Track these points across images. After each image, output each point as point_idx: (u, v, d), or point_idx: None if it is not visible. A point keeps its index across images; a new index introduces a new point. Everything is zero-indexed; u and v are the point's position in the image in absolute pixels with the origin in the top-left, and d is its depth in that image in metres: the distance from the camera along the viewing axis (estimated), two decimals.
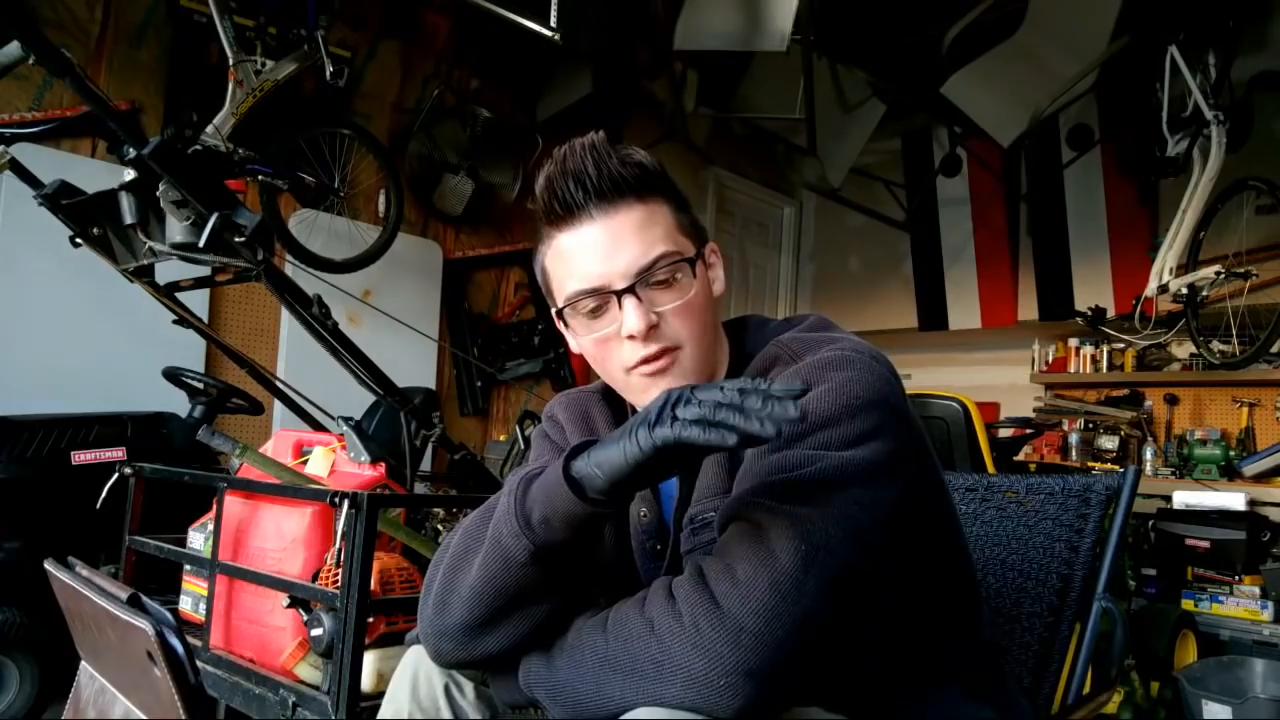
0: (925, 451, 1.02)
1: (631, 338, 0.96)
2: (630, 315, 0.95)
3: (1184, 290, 3.97)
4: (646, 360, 0.97)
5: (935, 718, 0.99)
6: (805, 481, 0.85)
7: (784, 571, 0.80)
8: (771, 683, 0.78)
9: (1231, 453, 4.14)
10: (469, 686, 1.01)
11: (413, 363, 4.10)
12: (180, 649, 0.74)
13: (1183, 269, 3.95)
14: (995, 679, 1.09)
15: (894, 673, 0.98)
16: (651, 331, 0.96)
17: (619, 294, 0.96)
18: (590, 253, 0.97)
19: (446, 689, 1.01)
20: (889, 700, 0.97)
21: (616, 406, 1.14)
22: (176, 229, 2.36)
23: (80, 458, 2.63)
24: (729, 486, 0.95)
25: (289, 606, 1.79)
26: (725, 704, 0.77)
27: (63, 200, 2.41)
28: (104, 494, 2.28)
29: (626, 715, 0.81)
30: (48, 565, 0.99)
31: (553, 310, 1.03)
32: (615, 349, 0.99)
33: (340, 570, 1.68)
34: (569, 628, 0.89)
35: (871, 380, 0.93)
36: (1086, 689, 1.35)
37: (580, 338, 1.02)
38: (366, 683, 1.69)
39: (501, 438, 4.15)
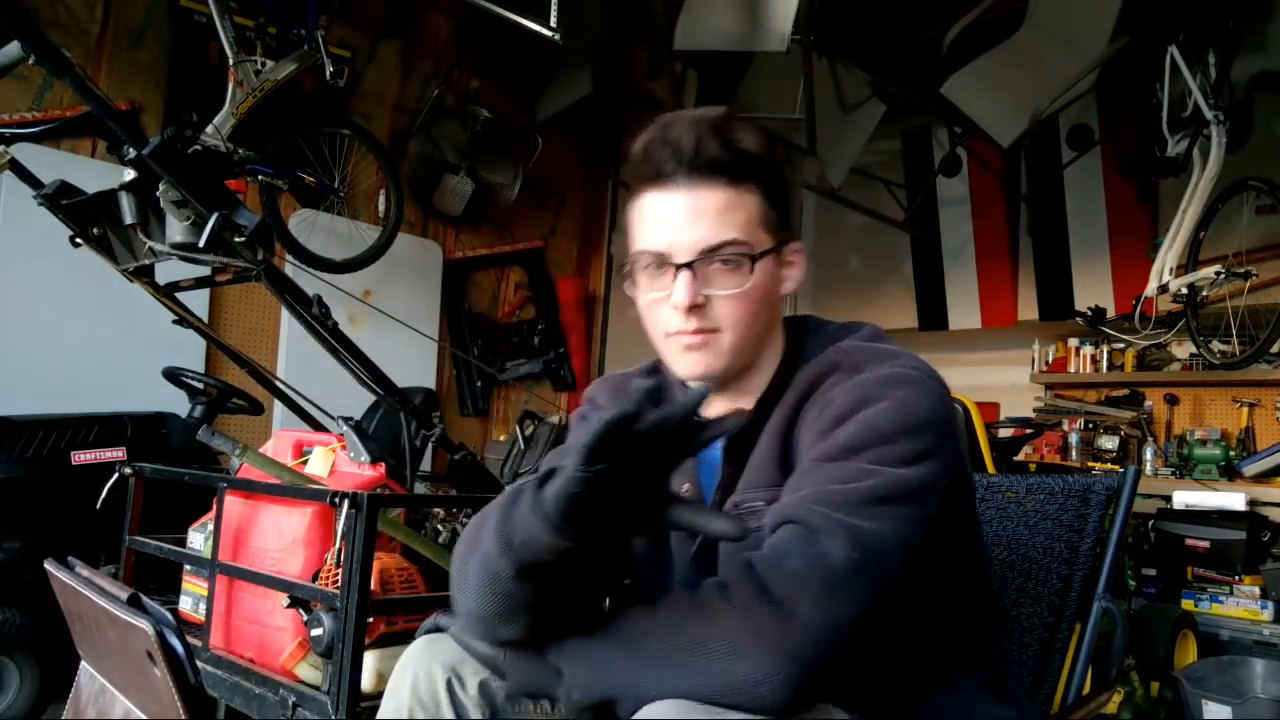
0: (965, 465, 1.06)
1: (675, 308, 1.00)
2: (680, 289, 0.99)
3: (1184, 290, 3.96)
4: (683, 333, 1.01)
5: (957, 715, 1.01)
6: (862, 494, 0.88)
7: (837, 571, 0.83)
8: (814, 674, 0.80)
9: (1231, 453, 4.14)
10: (471, 682, 1.01)
11: (413, 363, 4.10)
12: (180, 649, 0.74)
13: (1183, 269, 3.95)
14: (1011, 678, 1.12)
15: (917, 670, 0.99)
16: (695, 309, 0.99)
17: (677, 266, 0.99)
18: (665, 220, 1.00)
19: (448, 685, 1.00)
20: (911, 698, 0.98)
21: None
22: (176, 229, 2.36)
23: (80, 458, 2.63)
24: (777, 479, 0.99)
25: (289, 606, 1.79)
26: (770, 688, 0.79)
27: (63, 200, 2.41)
28: (104, 494, 2.28)
29: (643, 711, 0.82)
30: (48, 565, 0.99)
31: (624, 263, 1.07)
32: (662, 312, 1.02)
33: (340, 570, 1.68)
34: (608, 612, 0.90)
35: (930, 401, 0.97)
36: (1086, 689, 1.35)
37: (637, 293, 1.06)
38: (366, 683, 1.69)
39: (501, 438, 4.16)
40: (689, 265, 0.99)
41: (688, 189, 0.99)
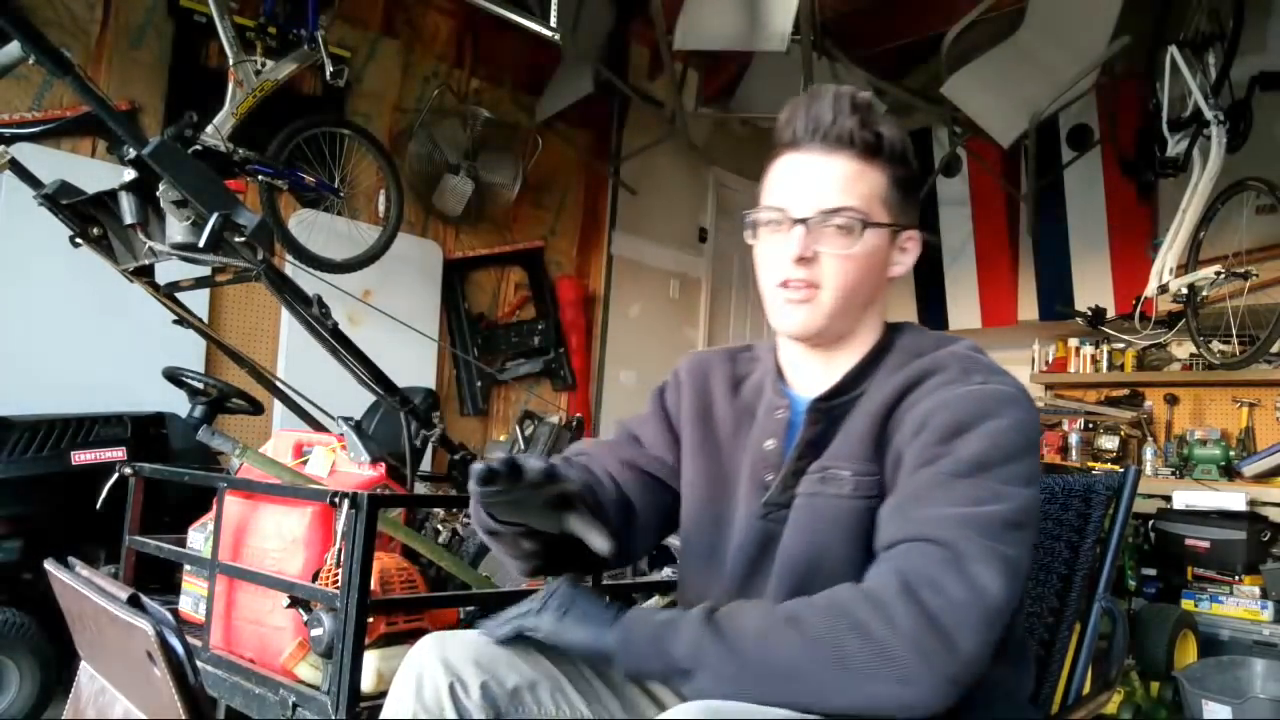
0: None
1: (786, 258, 1.07)
2: (794, 240, 1.06)
3: (1184, 290, 3.97)
4: (788, 285, 1.07)
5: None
6: (1002, 519, 0.93)
7: (994, 604, 0.88)
8: (962, 691, 0.87)
9: (1231, 453, 4.14)
10: (474, 687, 1.01)
11: (413, 363, 4.10)
12: (180, 649, 0.74)
13: (1183, 269, 3.95)
14: (1025, 683, 1.16)
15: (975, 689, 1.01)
16: (803, 261, 1.06)
17: (795, 220, 1.06)
18: (793, 180, 1.09)
19: (451, 688, 1.01)
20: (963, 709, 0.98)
21: (739, 366, 1.24)
22: (177, 229, 2.36)
23: (80, 458, 2.63)
24: (869, 455, 1.04)
25: (289, 606, 1.79)
26: (929, 704, 0.86)
27: (63, 200, 2.41)
28: (104, 494, 2.28)
29: (674, 712, 0.89)
30: (48, 565, 0.99)
31: (745, 214, 1.15)
32: (774, 263, 1.09)
33: (340, 570, 1.68)
34: (738, 619, 0.93)
35: (1036, 422, 1.04)
36: (1086, 689, 1.35)
37: (755, 243, 1.13)
38: (366, 683, 1.69)
39: (501, 438, 4.15)
40: (804, 221, 1.06)
41: (819, 156, 1.08)
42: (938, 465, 0.97)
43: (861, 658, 0.86)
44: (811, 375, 1.14)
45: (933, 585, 0.88)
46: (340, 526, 1.70)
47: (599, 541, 1.02)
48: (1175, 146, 3.83)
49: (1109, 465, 4.33)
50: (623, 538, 1.16)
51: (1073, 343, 4.96)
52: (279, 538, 1.93)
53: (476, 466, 0.93)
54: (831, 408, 1.10)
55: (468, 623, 1.94)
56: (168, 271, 2.67)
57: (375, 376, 2.50)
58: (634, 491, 1.22)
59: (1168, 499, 3.76)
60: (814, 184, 1.07)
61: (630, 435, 1.28)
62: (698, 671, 0.91)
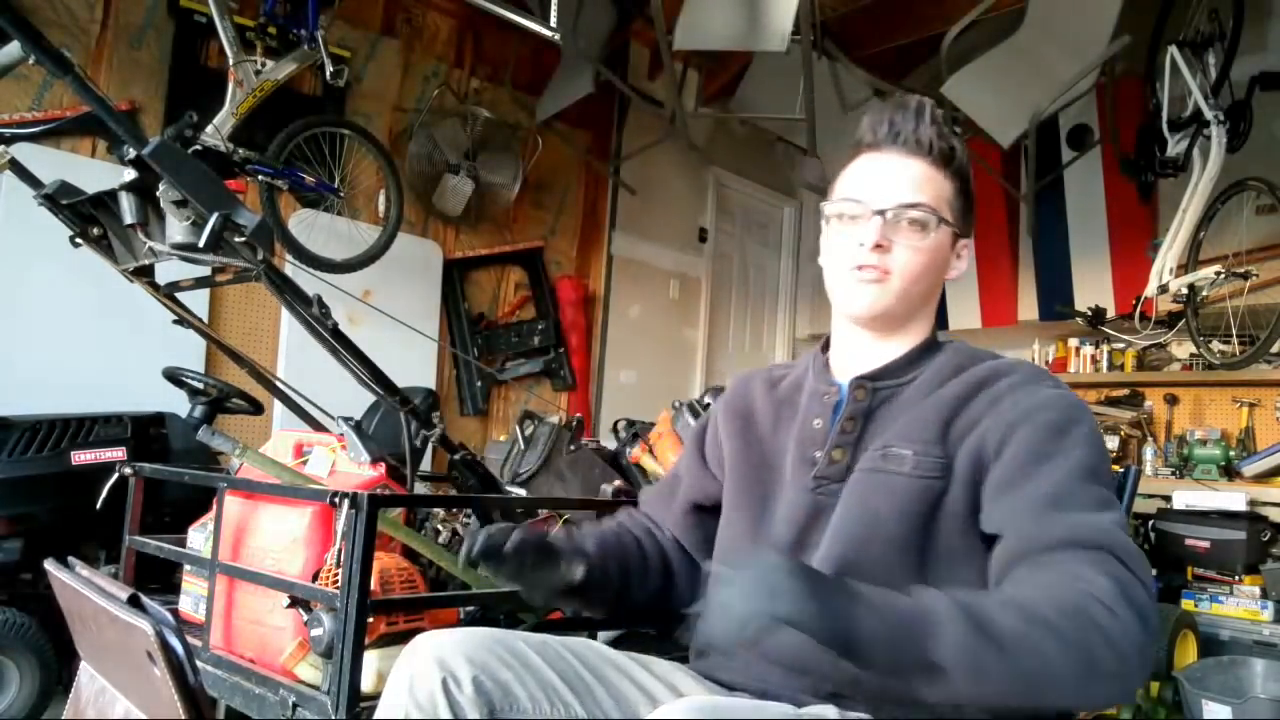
0: None
1: (862, 245, 1.15)
2: (872, 228, 1.15)
3: (1184, 290, 3.96)
4: (862, 267, 1.15)
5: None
6: (1122, 523, 1.00)
7: (1150, 629, 0.92)
8: None
9: (1231, 453, 4.14)
10: (466, 682, 1.01)
11: (413, 363, 4.10)
12: (180, 649, 0.74)
13: (1183, 269, 3.95)
14: None
15: None
16: (879, 248, 1.15)
17: (874, 211, 1.15)
18: (873, 177, 1.18)
19: (444, 684, 1.01)
20: None
21: (776, 373, 1.34)
22: (177, 229, 2.35)
23: (80, 458, 2.63)
24: (934, 437, 1.09)
25: (289, 606, 1.79)
26: (1129, 699, 0.98)
27: (63, 200, 2.41)
28: (104, 494, 2.27)
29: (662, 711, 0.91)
30: (48, 565, 0.99)
31: (824, 205, 1.22)
32: (848, 248, 1.17)
33: (340, 570, 1.68)
34: (995, 618, 0.89)
35: None
36: None
37: (828, 233, 1.21)
38: (366, 683, 1.69)
39: (501, 438, 4.14)
40: (883, 212, 1.15)
41: (898, 158, 1.17)
42: (1058, 464, 1.02)
43: (1105, 663, 0.88)
44: (862, 361, 1.21)
45: (1113, 614, 0.90)
46: (340, 526, 1.70)
47: (576, 572, 1.15)
48: (1175, 146, 3.83)
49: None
50: (690, 579, 1.31)
51: (1073, 343, 4.96)
52: (279, 538, 1.93)
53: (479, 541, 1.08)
54: (878, 387, 1.18)
55: (468, 623, 1.94)
56: (168, 271, 2.67)
57: (375, 376, 2.49)
58: (694, 534, 1.34)
59: (1168, 499, 3.76)
60: (893, 181, 1.16)
61: (677, 476, 1.40)
62: (955, 671, 0.86)
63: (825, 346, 1.30)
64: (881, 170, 1.18)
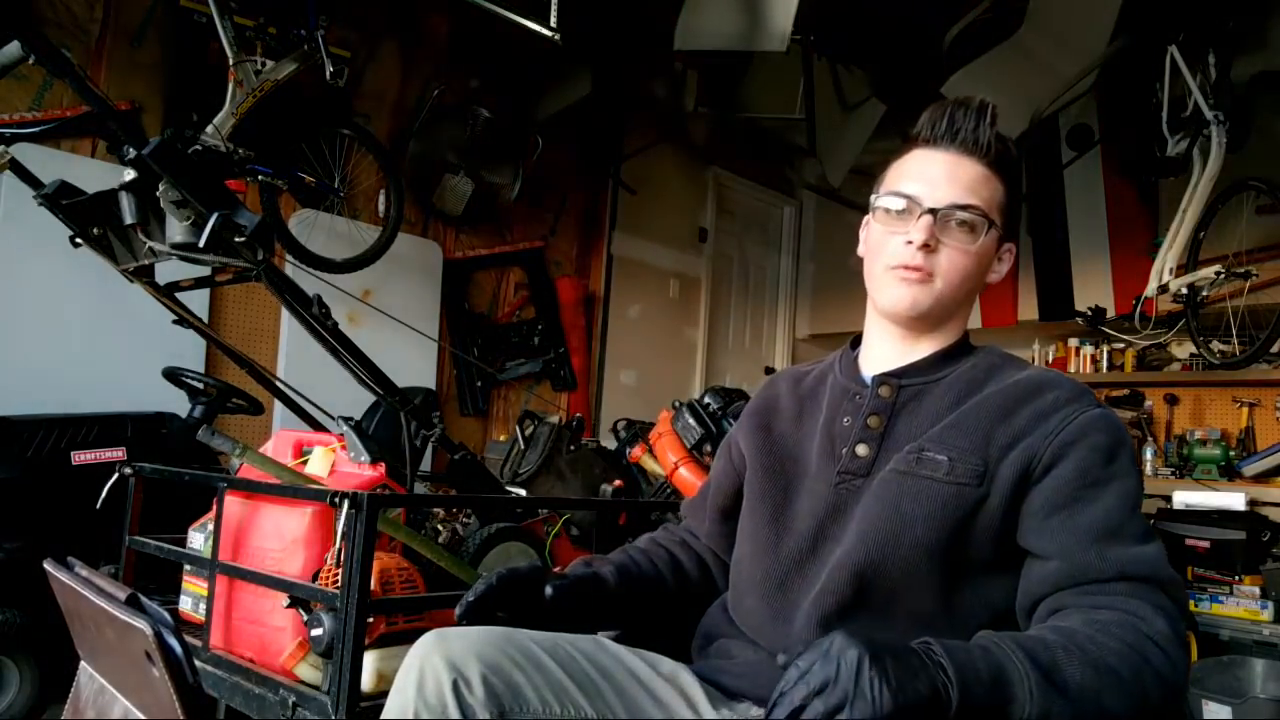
0: None
1: (909, 243, 1.13)
2: (921, 227, 1.13)
3: (1184, 290, 3.96)
4: (907, 266, 1.14)
5: None
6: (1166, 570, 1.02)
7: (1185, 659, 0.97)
8: None
9: (1231, 453, 4.14)
10: (477, 683, 1.01)
11: (413, 363, 4.10)
12: (178, 649, 0.74)
13: (1183, 269, 3.95)
14: None
15: None
16: (926, 248, 1.13)
17: (924, 209, 1.13)
18: (927, 172, 1.16)
19: (454, 685, 1.00)
20: None
21: (801, 369, 1.34)
22: (176, 229, 2.36)
23: (80, 458, 2.63)
24: (973, 446, 1.07)
25: (289, 606, 1.79)
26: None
27: (63, 200, 2.41)
28: (104, 494, 2.27)
29: None
30: (47, 565, 0.99)
31: (872, 198, 1.21)
32: (892, 245, 1.15)
33: (340, 570, 1.68)
34: (1065, 670, 0.90)
35: None
36: None
37: (874, 226, 1.20)
38: (366, 683, 1.69)
39: (501, 438, 4.15)
40: (934, 211, 1.13)
41: (954, 157, 1.15)
42: (1109, 492, 1.03)
43: (1154, 701, 0.92)
44: (892, 359, 1.20)
45: (1180, 626, 0.96)
46: (340, 526, 1.70)
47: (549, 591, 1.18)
48: (1175, 146, 3.83)
49: None
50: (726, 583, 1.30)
51: (1072, 343, 4.96)
52: (279, 538, 1.93)
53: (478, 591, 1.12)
54: (904, 384, 1.17)
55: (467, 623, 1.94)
56: (168, 271, 2.67)
57: (375, 376, 2.50)
58: (725, 541, 1.34)
59: (1168, 499, 3.75)
60: (947, 180, 1.14)
61: (707, 483, 1.41)
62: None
63: (855, 343, 1.29)
64: (936, 167, 1.16)
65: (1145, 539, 1.01)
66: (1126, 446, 1.07)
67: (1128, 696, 0.89)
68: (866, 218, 1.22)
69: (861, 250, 1.24)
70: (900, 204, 1.15)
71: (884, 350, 1.22)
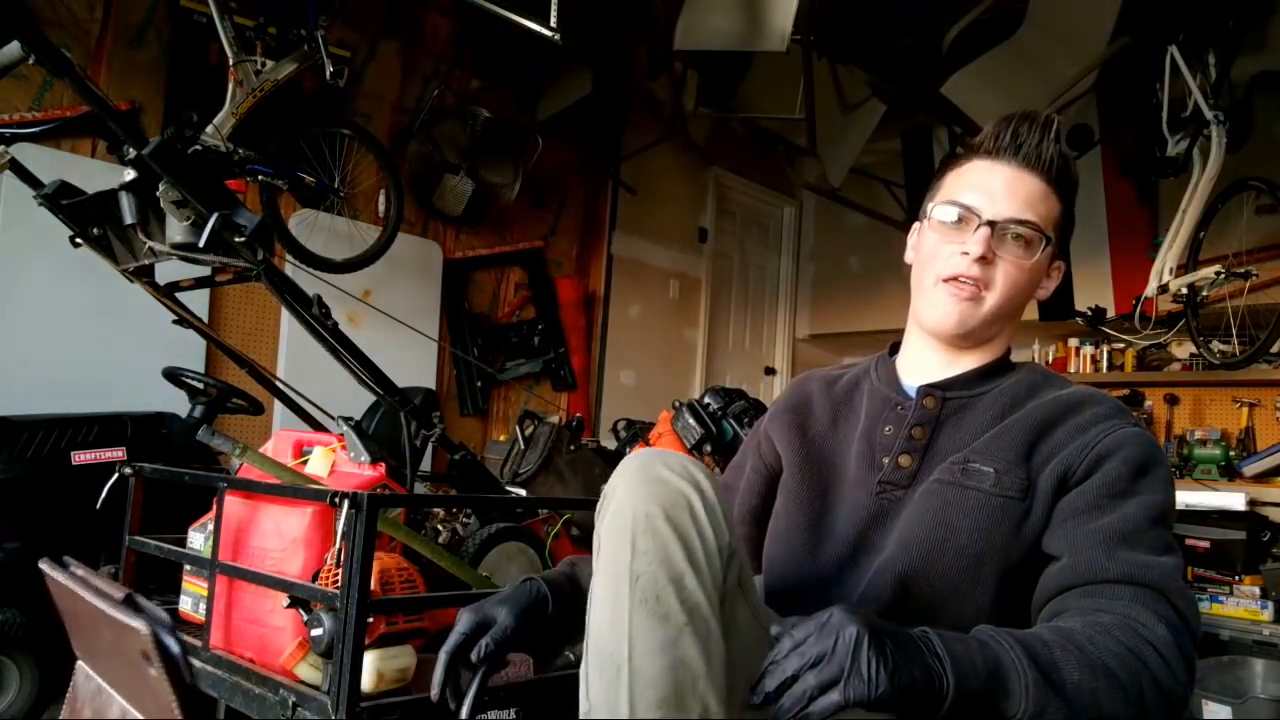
0: None
1: (965, 254, 1.12)
2: (978, 239, 1.11)
3: (1184, 290, 3.96)
4: (960, 280, 1.12)
5: None
6: (1181, 569, 1.01)
7: (1192, 666, 0.96)
8: None
9: (1231, 453, 4.14)
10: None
11: (413, 363, 4.10)
12: (176, 649, 0.73)
13: (1183, 269, 3.95)
14: None
15: None
16: (982, 260, 1.11)
17: (983, 220, 1.12)
18: (987, 184, 1.14)
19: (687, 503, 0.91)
20: None
21: (834, 373, 1.33)
22: (176, 229, 2.36)
23: (80, 458, 2.63)
24: (1017, 458, 1.07)
25: (289, 606, 1.78)
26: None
27: (63, 200, 2.41)
28: (104, 494, 2.27)
29: None
30: (43, 565, 0.99)
31: (927, 204, 1.20)
32: (945, 256, 1.14)
33: (340, 570, 1.68)
34: (1064, 670, 0.89)
35: None
36: None
37: (927, 235, 1.18)
38: (366, 683, 1.69)
39: (501, 438, 4.15)
40: (993, 224, 1.12)
41: (1016, 171, 1.14)
42: (1132, 504, 1.02)
43: (1154, 706, 0.90)
44: (934, 372, 1.20)
45: (1185, 640, 0.95)
46: (340, 526, 1.70)
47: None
48: (1175, 146, 3.83)
49: None
50: None
51: (1073, 343, 4.96)
52: (279, 538, 1.93)
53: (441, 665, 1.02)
54: (948, 396, 1.16)
55: None
56: (168, 271, 2.67)
57: (375, 376, 2.50)
58: (753, 546, 1.30)
59: None
60: (1007, 193, 1.13)
61: (728, 487, 1.36)
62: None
63: (893, 350, 1.28)
64: (997, 180, 1.14)
65: (1162, 552, 1.00)
66: (1160, 465, 1.06)
67: (1124, 700, 0.88)
68: (917, 225, 1.21)
69: (909, 257, 1.22)
70: (958, 214, 1.14)
71: (925, 362, 1.21)
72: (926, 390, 1.17)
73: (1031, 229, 1.12)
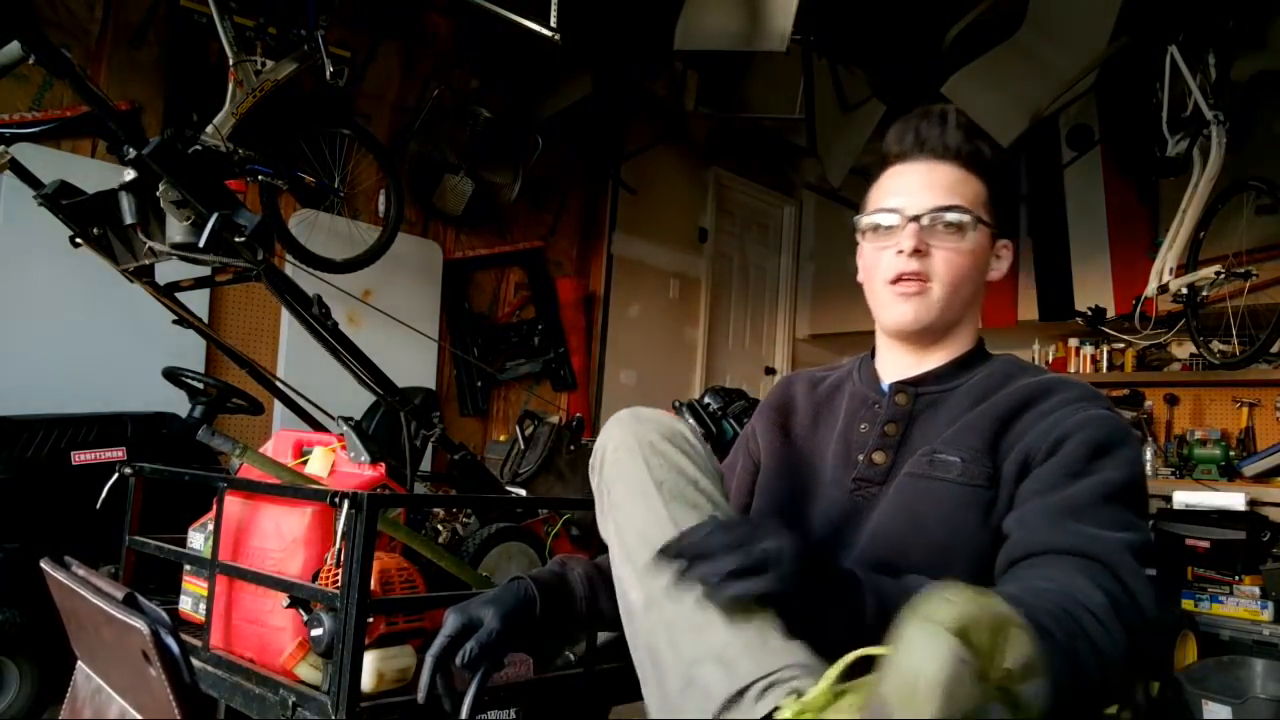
0: None
1: (900, 253, 1.14)
2: (907, 234, 1.14)
3: (1184, 290, 3.96)
4: (902, 278, 1.15)
5: None
6: (1142, 545, 0.99)
7: (1148, 620, 0.95)
8: None
9: (1231, 453, 4.14)
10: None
11: (413, 363, 4.10)
12: (175, 648, 0.74)
13: (1183, 269, 3.95)
14: None
15: None
16: (916, 254, 1.13)
17: (909, 218, 1.14)
18: (903, 185, 1.18)
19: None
20: None
21: (818, 374, 1.35)
22: (176, 229, 2.36)
23: (80, 458, 2.63)
24: (984, 446, 1.08)
25: (289, 606, 1.78)
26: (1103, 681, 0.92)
27: (63, 200, 2.41)
28: (104, 494, 2.27)
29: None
30: (44, 565, 0.99)
31: (858, 220, 1.22)
32: (886, 260, 1.16)
33: (340, 570, 1.68)
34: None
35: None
36: None
37: (865, 248, 1.21)
38: (366, 683, 1.69)
39: (501, 438, 4.15)
40: (918, 219, 1.14)
41: (926, 165, 1.17)
42: (1086, 481, 1.02)
43: (1089, 671, 0.89)
44: (906, 371, 1.21)
45: (1127, 611, 0.93)
46: (340, 526, 1.70)
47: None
48: (1175, 146, 3.83)
49: None
50: None
51: (1073, 343, 4.96)
52: (279, 538, 1.93)
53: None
54: (920, 391, 1.18)
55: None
56: (168, 271, 2.67)
57: (375, 376, 2.50)
58: None
59: (1168, 499, 3.76)
60: (925, 187, 1.16)
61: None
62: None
63: (875, 352, 1.29)
64: (913, 178, 1.17)
65: (1116, 527, 0.98)
66: (1123, 446, 1.05)
67: (1061, 657, 0.86)
68: (859, 244, 1.23)
69: (860, 276, 1.24)
70: (885, 219, 1.17)
71: (898, 363, 1.23)
72: (898, 387, 1.19)
73: (957, 212, 1.14)
